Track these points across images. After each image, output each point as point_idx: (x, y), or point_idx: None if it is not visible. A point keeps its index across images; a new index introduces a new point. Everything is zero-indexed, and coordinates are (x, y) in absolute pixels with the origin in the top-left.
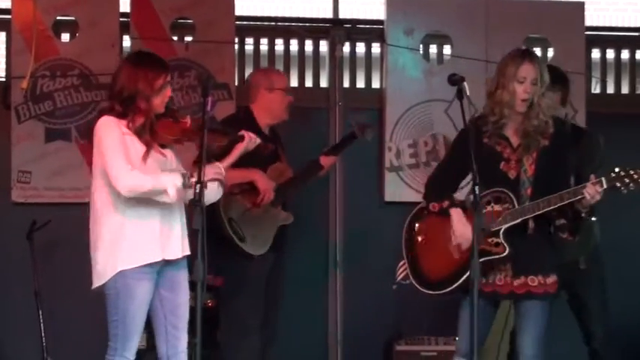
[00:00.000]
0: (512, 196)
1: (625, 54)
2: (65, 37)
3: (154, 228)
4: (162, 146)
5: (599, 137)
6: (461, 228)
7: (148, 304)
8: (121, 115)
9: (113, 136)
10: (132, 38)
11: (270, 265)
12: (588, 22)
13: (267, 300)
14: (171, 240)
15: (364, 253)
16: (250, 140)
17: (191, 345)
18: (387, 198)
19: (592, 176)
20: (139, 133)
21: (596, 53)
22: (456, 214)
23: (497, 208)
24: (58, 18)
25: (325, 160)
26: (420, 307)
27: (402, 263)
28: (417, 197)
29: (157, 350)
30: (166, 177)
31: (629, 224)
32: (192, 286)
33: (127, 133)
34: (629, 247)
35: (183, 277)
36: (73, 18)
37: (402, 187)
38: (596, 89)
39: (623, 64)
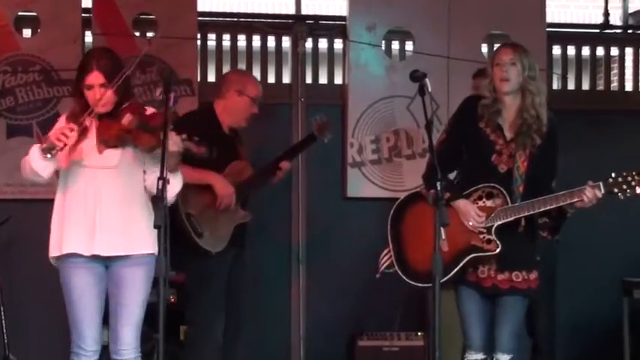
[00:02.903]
0: (505, 192)
1: (586, 50)
2: (27, 32)
3: (81, 218)
4: (115, 146)
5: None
6: (471, 211)
7: (95, 295)
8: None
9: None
10: (94, 34)
11: (231, 261)
12: (549, 19)
13: (230, 296)
14: (100, 234)
15: (327, 248)
16: (175, 141)
17: (153, 340)
18: (349, 194)
19: (589, 182)
20: (72, 124)
21: (557, 50)
22: (461, 204)
23: (489, 203)
24: (20, 13)
25: (285, 164)
26: (383, 303)
27: (386, 251)
28: (379, 193)
29: None
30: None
31: (590, 222)
32: (155, 282)
33: None
34: (589, 245)
35: (131, 273)
36: (34, 13)
37: (364, 183)
38: (558, 86)
39: (584, 61)
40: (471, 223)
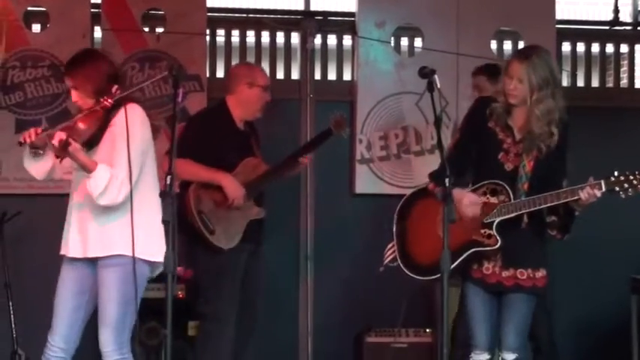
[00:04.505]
0: (508, 189)
1: (595, 47)
2: (36, 27)
3: (68, 221)
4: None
5: None
6: (464, 198)
7: (71, 293)
8: None
9: None
10: (103, 29)
11: (247, 257)
12: (559, 16)
13: (245, 291)
14: (70, 238)
15: (335, 244)
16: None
17: (161, 336)
18: (358, 190)
19: (590, 178)
20: None
21: (566, 46)
22: (455, 191)
23: (492, 200)
24: (29, 8)
25: (306, 158)
26: (391, 300)
27: (390, 245)
28: (388, 189)
29: None
30: None
31: (597, 219)
32: (163, 277)
33: None
34: (597, 243)
35: (104, 276)
36: (43, 8)
37: (373, 179)
38: (567, 83)
39: (594, 58)
40: (468, 210)
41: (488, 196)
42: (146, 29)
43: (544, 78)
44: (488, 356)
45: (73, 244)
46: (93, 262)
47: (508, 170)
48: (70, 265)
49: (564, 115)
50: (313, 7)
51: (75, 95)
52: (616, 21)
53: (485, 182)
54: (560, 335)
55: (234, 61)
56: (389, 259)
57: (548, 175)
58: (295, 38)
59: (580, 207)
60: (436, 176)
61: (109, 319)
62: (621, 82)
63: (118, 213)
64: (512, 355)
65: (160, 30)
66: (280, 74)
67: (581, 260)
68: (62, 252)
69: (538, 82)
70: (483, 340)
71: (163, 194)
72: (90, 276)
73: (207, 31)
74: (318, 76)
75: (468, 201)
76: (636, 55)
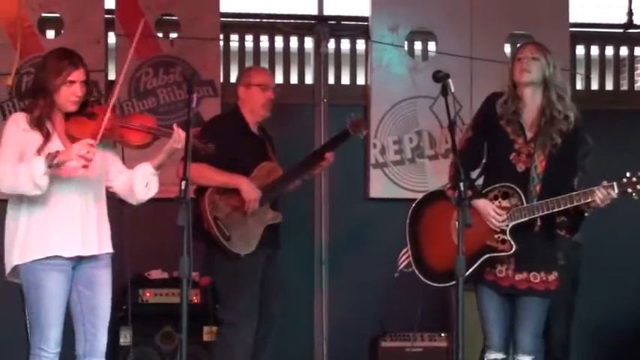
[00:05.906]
0: (520, 192)
1: (609, 50)
2: (50, 33)
3: (57, 221)
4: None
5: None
6: (490, 211)
7: (64, 298)
8: (27, 109)
9: (7, 135)
10: (117, 35)
11: (264, 262)
12: (572, 19)
13: (262, 298)
14: (76, 236)
15: (349, 249)
16: (178, 138)
17: (176, 341)
18: (372, 194)
19: (604, 182)
20: (35, 127)
21: (580, 50)
22: (481, 203)
23: (504, 203)
24: (43, 15)
25: (330, 155)
26: (406, 304)
27: (404, 251)
28: (402, 194)
29: (75, 346)
30: (26, 165)
31: (615, 222)
32: (178, 282)
33: (27, 130)
34: (615, 246)
35: (101, 275)
36: (57, 14)
37: (387, 184)
38: (581, 86)
39: (607, 61)
40: (493, 221)
41: (499, 199)
42: (160, 35)
43: (555, 63)
44: (503, 355)
45: (75, 242)
46: (74, 260)
47: (520, 171)
48: (57, 268)
49: (578, 113)
50: (326, 12)
51: (82, 90)
52: (630, 24)
53: (497, 185)
54: (580, 339)
55: (248, 66)
56: (403, 264)
57: (560, 175)
58: (309, 43)
59: (590, 209)
60: (453, 180)
61: (105, 321)
62: (635, 85)
63: (105, 211)
64: (529, 358)
65: (173, 35)
66: (294, 79)
67: (602, 264)
68: (56, 253)
69: (553, 62)
70: (497, 341)
71: (178, 199)
72: (71, 276)
73: (221, 36)
74: (331, 80)
75: (494, 221)
76: None
